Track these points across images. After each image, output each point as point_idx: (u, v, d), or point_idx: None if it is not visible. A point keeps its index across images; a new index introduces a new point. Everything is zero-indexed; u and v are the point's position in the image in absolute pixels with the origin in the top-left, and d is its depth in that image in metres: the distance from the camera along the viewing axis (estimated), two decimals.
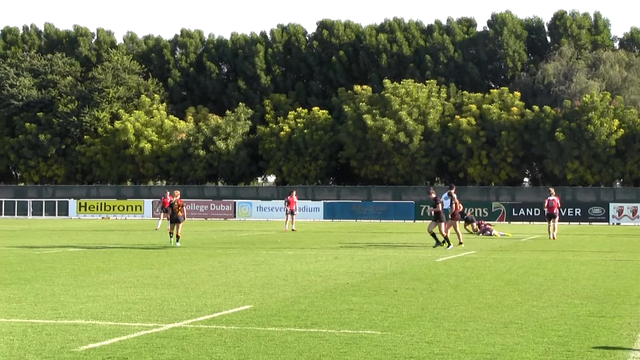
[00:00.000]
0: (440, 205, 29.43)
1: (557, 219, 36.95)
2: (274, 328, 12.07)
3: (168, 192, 41.44)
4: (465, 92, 69.67)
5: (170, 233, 30.62)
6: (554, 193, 37.38)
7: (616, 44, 74.11)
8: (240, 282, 17.99)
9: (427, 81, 69.36)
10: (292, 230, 42.87)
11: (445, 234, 29.13)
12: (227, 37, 78.43)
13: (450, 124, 67.25)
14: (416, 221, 56.38)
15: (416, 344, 10.94)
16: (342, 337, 11.33)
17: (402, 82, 68.77)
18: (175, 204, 30.71)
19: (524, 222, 55.68)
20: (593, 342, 11.14)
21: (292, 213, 44.15)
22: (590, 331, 12.00)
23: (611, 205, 57.07)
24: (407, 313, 13.56)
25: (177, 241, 30.10)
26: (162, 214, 43.19)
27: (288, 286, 17.33)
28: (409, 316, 13.24)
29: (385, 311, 13.73)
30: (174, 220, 30.51)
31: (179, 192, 31.89)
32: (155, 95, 74.47)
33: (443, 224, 29.27)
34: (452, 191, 31.79)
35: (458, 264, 23.01)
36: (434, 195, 29.90)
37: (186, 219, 31.57)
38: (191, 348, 10.60)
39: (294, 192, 45.92)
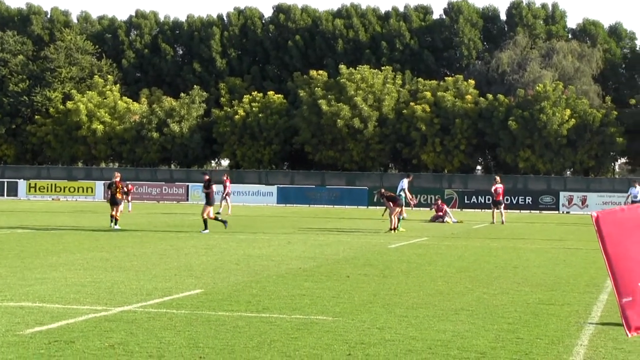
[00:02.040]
0: (213, 187, 29.06)
1: (502, 205, 38.91)
2: (225, 312, 11.98)
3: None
4: (420, 79, 69.91)
5: (111, 216, 30.12)
6: (499, 181, 39.97)
7: (570, 35, 74.82)
8: (192, 266, 17.86)
9: (382, 67, 69.48)
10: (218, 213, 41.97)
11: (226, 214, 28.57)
12: (183, 19, 77.88)
13: (404, 111, 67.46)
14: (369, 207, 56.53)
15: (367, 329, 10.93)
16: (293, 322, 11.28)
17: (357, 68, 68.80)
18: (113, 185, 30.19)
19: (476, 210, 56.13)
20: (542, 330, 11.22)
21: (225, 197, 42.26)
22: (539, 319, 12.09)
23: (561, 194, 57.79)
24: (358, 299, 13.55)
25: (116, 224, 29.48)
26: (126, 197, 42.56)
27: (240, 270, 17.24)
28: (360, 302, 13.23)
29: (337, 297, 13.71)
30: (112, 203, 30.05)
31: (119, 174, 31.05)
32: (109, 76, 73.62)
33: (211, 208, 28.76)
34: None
35: (410, 251, 23.09)
36: (207, 177, 29.71)
37: (131, 201, 30.92)
38: (140, 332, 10.47)
39: (226, 175, 45.03)
